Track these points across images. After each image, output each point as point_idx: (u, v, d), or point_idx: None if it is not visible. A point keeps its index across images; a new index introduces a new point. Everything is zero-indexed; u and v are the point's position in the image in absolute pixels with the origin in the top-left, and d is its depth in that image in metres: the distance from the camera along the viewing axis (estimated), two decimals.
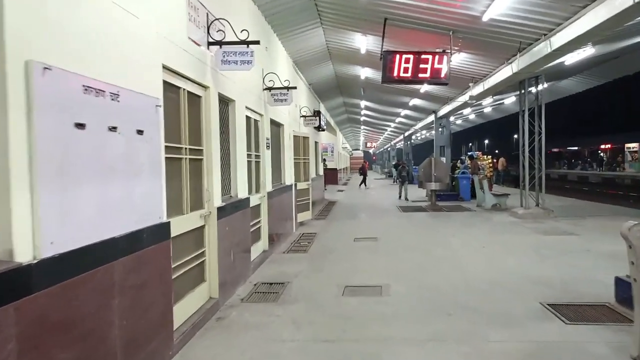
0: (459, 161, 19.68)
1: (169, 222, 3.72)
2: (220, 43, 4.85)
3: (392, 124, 30.32)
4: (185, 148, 4.37)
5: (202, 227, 4.82)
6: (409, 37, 8.65)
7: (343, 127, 35.92)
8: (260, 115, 7.58)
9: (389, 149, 54.41)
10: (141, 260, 3.24)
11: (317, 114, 14.02)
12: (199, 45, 4.59)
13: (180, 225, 4.17)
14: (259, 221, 7.54)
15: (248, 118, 6.89)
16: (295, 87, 7.59)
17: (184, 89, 4.34)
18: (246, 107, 6.59)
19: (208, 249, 4.92)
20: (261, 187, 7.64)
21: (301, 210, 11.55)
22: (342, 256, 7.75)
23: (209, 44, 4.86)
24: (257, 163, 7.50)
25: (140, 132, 3.24)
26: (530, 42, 8.06)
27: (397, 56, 7.74)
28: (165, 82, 3.91)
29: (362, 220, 12.63)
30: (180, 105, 4.30)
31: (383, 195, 21.32)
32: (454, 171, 17.61)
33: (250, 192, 6.96)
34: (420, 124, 24.64)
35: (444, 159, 17.61)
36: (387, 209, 15.24)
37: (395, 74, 7.72)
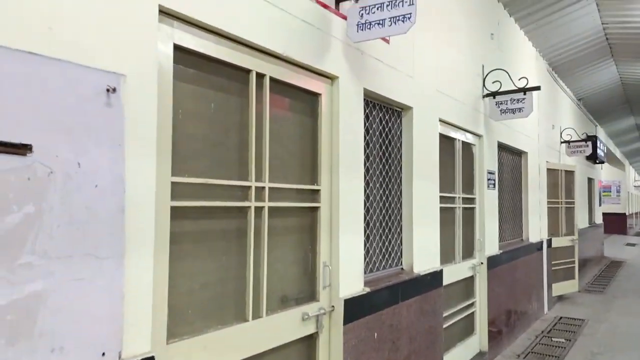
0: None
1: None
2: None
3: None
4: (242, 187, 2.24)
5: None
6: None
7: (635, 159, 27.47)
8: (477, 136, 4.84)
9: None
10: None
11: (590, 139, 9.88)
12: None
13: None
14: (472, 304, 4.70)
15: (448, 139, 4.31)
16: (538, 88, 4.60)
17: (257, 74, 2.25)
18: (442, 121, 4.05)
19: None
20: (475, 249, 4.81)
21: (560, 278, 7.83)
22: None
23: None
24: (469, 211, 4.73)
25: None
26: None
27: None
28: (180, 49, 1.92)
29: None
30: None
31: None
32: None
33: (450, 259, 4.28)
34: None
35: None
36: None
37: None
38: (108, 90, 1.51)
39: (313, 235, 2.61)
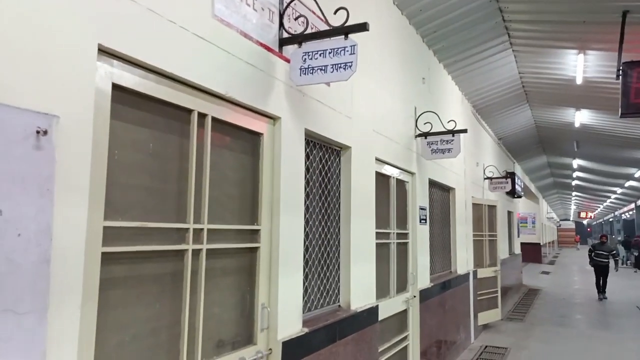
0: None
1: None
2: (300, 38, 2.68)
3: (619, 189, 23.61)
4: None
5: None
6: None
7: (547, 193, 30.01)
8: (410, 173, 5.07)
9: (611, 219, 44.16)
10: None
11: (509, 175, 10.68)
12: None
13: None
14: (405, 337, 4.80)
15: (383, 176, 4.47)
16: (465, 130, 4.94)
17: (200, 113, 2.23)
18: (378, 160, 4.21)
19: None
20: (409, 282, 4.96)
21: (485, 307, 8.23)
22: None
23: (286, 41, 2.75)
24: (402, 246, 4.90)
25: None
26: None
27: None
28: (117, 87, 1.86)
29: (580, 331, 8.46)
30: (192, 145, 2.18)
31: (609, 285, 15.65)
32: None
33: (385, 293, 4.38)
34: None
35: None
36: (620, 310, 10.42)
37: None
38: (38, 132, 1.42)
39: (252, 276, 2.57)
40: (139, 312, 1.90)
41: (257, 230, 2.59)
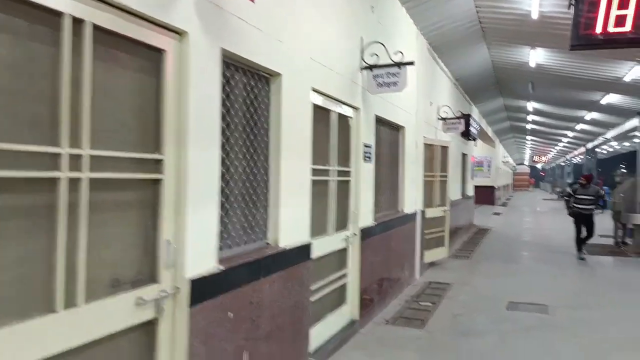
0: None
1: None
2: None
3: (571, 133, 24.35)
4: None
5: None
6: None
7: (504, 137, 30.69)
8: (354, 108, 4.82)
9: (562, 163, 46.05)
10: None
11: (463, 116, 10.62)
12: None
13: None
14: (343, 275, 4.76)
15: (323, 110, 4.20)
16: (412, 63, 4.69)
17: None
18: (316, 91, 3.92)
19: None
20: (350, 221, 4.86)
21: (431, 246, 8.39)
22: (484, 351, 4.50)
23: None
24: (344, 184, 4.74)
25: None
26: None
27: None
28: None
29: (523, 266, 8.84)
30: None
31: (555, 224, 16.43)
32: None
33: (322, 231, 4.25)
34: (612, 132, 18.79)
35: None
36: (560, 247, 10.94)
37: (599, 29, 4.22)
38: None
39: (155, 210, 2.32)
40: None
41: (160, 160, 2.32)
